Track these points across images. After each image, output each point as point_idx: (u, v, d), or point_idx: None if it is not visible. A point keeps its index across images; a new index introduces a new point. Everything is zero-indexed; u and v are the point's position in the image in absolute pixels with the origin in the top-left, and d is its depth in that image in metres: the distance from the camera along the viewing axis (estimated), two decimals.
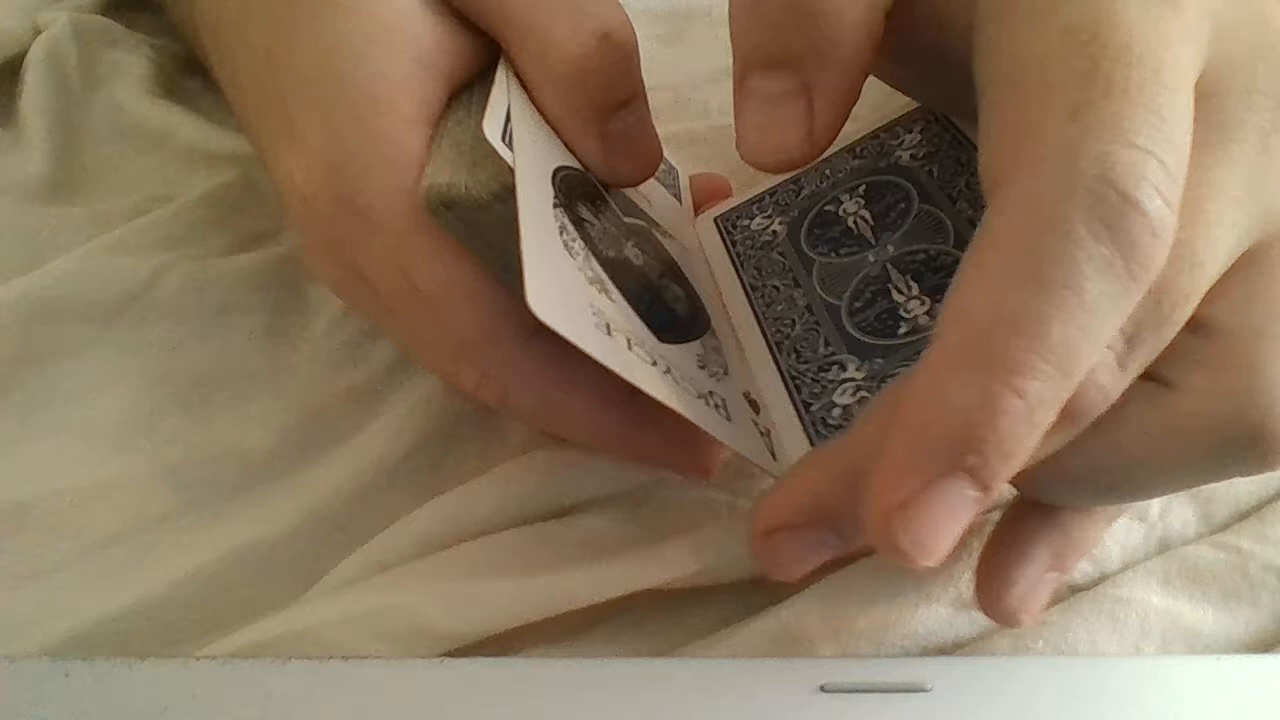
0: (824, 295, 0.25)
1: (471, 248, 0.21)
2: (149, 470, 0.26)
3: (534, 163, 0.21)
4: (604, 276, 0.21)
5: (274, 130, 0.24)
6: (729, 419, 0.21)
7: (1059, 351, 0.15)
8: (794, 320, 0.25)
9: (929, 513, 0.15)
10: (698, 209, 0.30)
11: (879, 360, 0.22)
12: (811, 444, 0.22)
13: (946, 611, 0.23)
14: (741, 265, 0.27)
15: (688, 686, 0.20)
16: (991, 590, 0.21)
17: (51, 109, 0.35)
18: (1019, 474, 0.19)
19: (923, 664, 0.21)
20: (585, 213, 0.22)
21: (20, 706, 0.20)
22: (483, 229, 0.21)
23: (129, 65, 0.37)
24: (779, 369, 0.24)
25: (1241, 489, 0.24)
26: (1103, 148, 0.15)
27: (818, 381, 0.23)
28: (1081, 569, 0.23)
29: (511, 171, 0.20)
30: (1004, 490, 0.22)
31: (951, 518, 0.15)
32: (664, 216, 0.28)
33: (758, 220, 0.28)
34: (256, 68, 0.24)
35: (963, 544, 0.23)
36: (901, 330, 0.23)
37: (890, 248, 0.24)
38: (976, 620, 0.23)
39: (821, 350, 0.24)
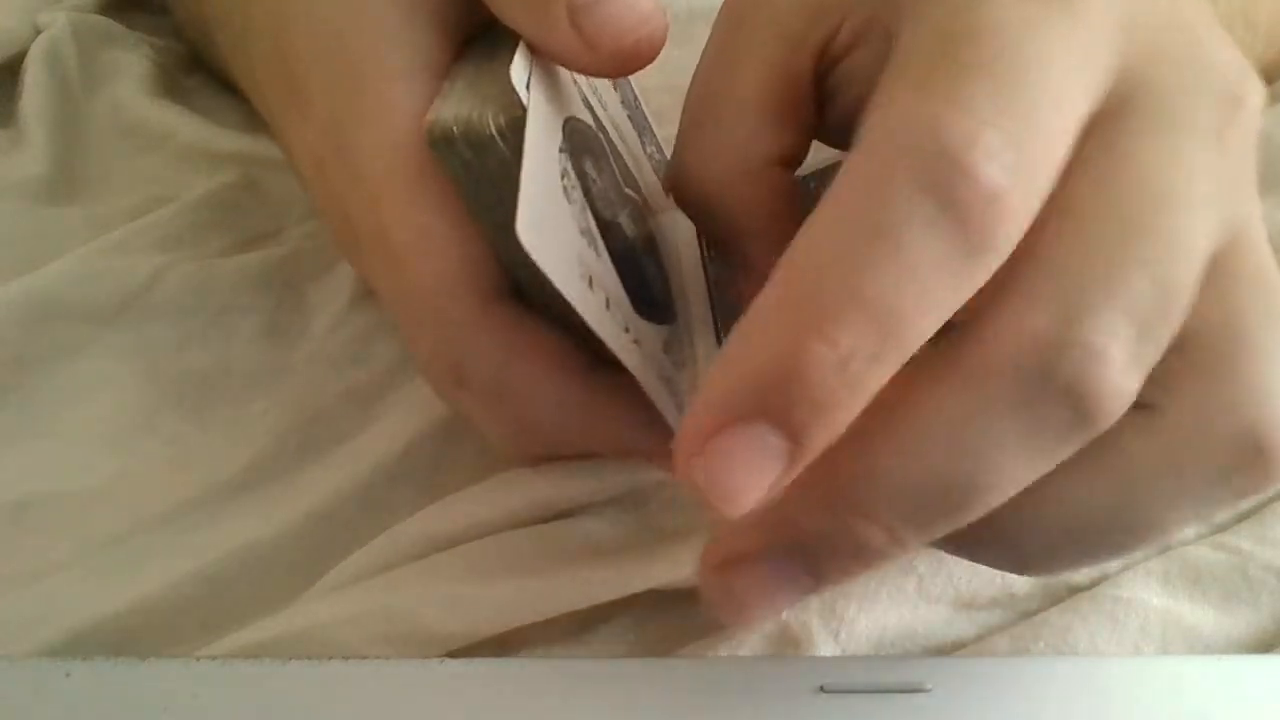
0: None
1: (466, 194, 0.21)
2: (149, 470, 0.26)
3: (548, 102, 0.20)
4: (595, 233, 0.21)
5: (286, 105, 0.24)
6: (680, 410, 0.21)
7: (875, 305, 0.14)
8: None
9: (727, 452, 0.15)
10: None
11: None
12: None
13: (946, 611, 0.23)
14: (710, 259, 0.27)
15: (688, 686, 0.20)
16: None
17: (51, 109, 0.35)
18: (1025, 560, 0.18)
19: (923, 664, 0.21)
20: (589, 168, 0.22)
21: (20, 706, 0.20)
22: (482, 170, 0.20)
23: (129, 65, 0.37)
24: None
25: None
26: (939, 112, 0.15)
27: None
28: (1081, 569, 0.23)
29: (523, 108, 0.19)
30: None
31: (752, 463, 0.15)
32: (653, 198, 0.28)
33: None
34: (266, 50, 0.25)
35: None
36: None
37: None
38: (976, 620, 0.23)
39: None
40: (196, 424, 0.27)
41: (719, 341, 0.24)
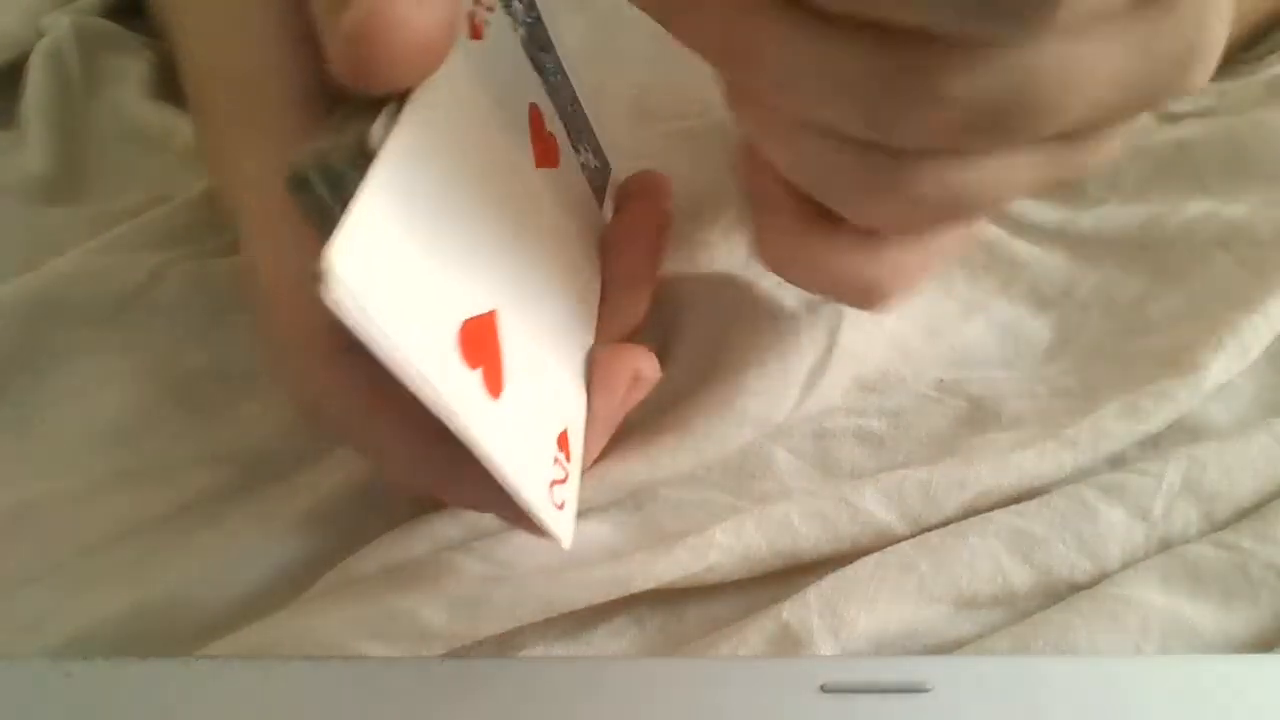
0: None
1: (323, 237, 0.19)
2: (149, 470, 0.26)
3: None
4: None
5: (199, 119, 0.24)
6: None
7: None
8: None
9: None
10: (627, 209, 0.29)
11: None
12: None
13: (947, 610, 0.23)
14: None
15: (688, 686, 0.20)
16: None
17: (53, 111, 0.35)
18: None
19: (923, 664, 0.21)
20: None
21: (20, 706, 0.20)
22: (341, 209, 0.18)
23: (130, 68, 0.37)
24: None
25: (1243, 488, 0.24)
26: None
27: None
28: (1081, 568, 0.23)
29: (369, 143, 0.17)
30: None
31: None
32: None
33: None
34: (189, 67, 0.25)
35: (959, 537, 0.23)
36: None
37: None
38: (977, 619, 0.23)
39: None
40: (196, 423, 0.27)
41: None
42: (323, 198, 0.18)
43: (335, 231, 0.15)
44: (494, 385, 0.19)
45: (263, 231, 0.21)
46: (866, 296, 0.23)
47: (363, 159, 0.17)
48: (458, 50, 0.20)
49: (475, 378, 0.19)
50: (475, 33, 0.22)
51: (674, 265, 0.29)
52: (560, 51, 0.28)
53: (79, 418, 0.27)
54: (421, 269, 0.18)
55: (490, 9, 0.22)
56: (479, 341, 0.19)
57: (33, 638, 0.23)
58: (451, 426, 0.17)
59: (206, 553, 0.24)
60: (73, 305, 0.29)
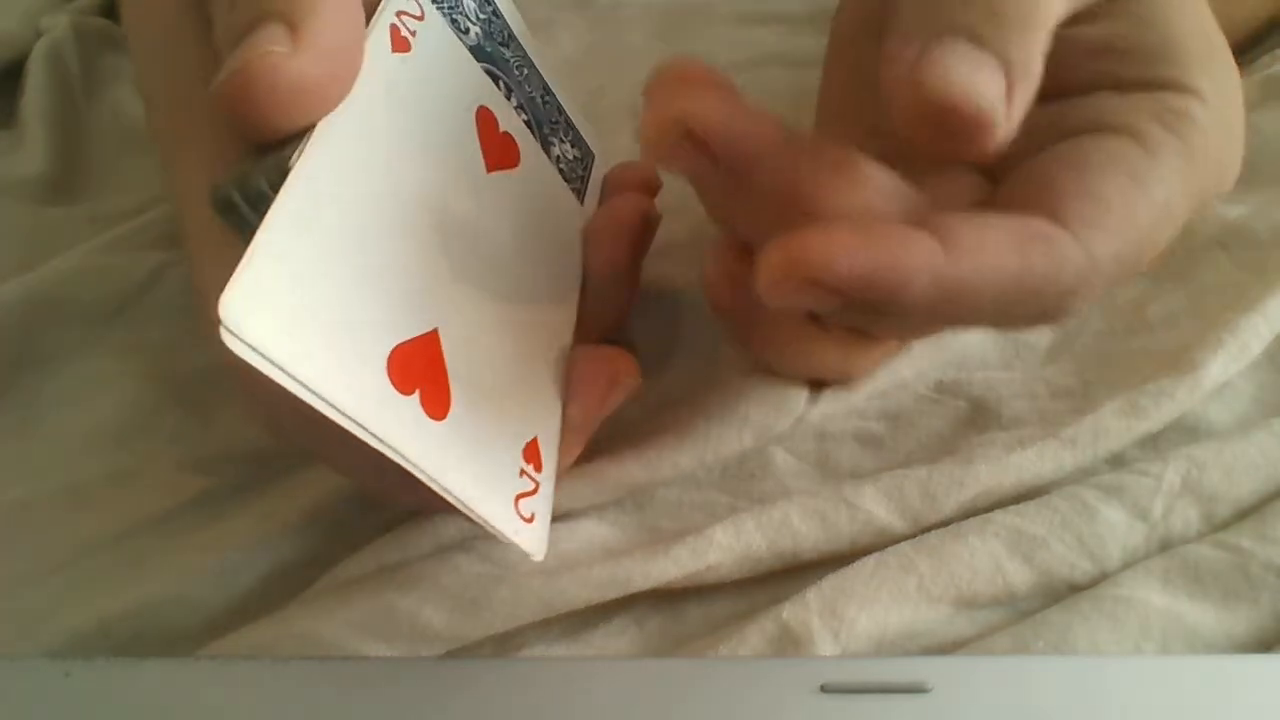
0: None
1: None
2: (149, 470, 0.26)
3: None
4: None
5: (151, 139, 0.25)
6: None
7: None
8: None
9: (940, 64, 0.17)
10: (609, 202, 0.28)
11: None
12: None
13: (947, 610, 0.23)
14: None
15: (688, 686, 0.20)
16: None
17: (52, 110, 0.36)
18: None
19: (923, 664, 0.21)
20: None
21: (20, 706, 0.20)
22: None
23: (129, 68, 0.37)
24: None
25: (1243, 488, 0.24)
26: None
27: None
28: (1082, 568, 0.23)
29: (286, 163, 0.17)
30: None
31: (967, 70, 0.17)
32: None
33: None
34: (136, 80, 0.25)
35: (959, 537, 0.23)
36: None
37: None
38: (977, 619, 0.23)
39: None
40: (196, 423, 0.27)
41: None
42: (247, 217, 0.17)
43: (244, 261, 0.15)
44: (437, 407, 0.19)
45: (200, 248, 0.21)
46: (845, 377, 0.27)
47: (282, 181, 0.17)
48: (377, 68, 0.20)
49: (411, 403, 0.18)
50: (400, 46, 0.21)
51: (675, 267, 0.29)
52: (526, 44, 0.27)
53: (78, 418, 0.27)
54: (336, 300, 0.17)
55: (419, 18, 0.22)
56: (415, 364, 0.19)
57: (33, 638, 0.23)
58: (388, 455, 0.17)
59: (206, 553, 0.24)
60: (73, 305, 0.29)
